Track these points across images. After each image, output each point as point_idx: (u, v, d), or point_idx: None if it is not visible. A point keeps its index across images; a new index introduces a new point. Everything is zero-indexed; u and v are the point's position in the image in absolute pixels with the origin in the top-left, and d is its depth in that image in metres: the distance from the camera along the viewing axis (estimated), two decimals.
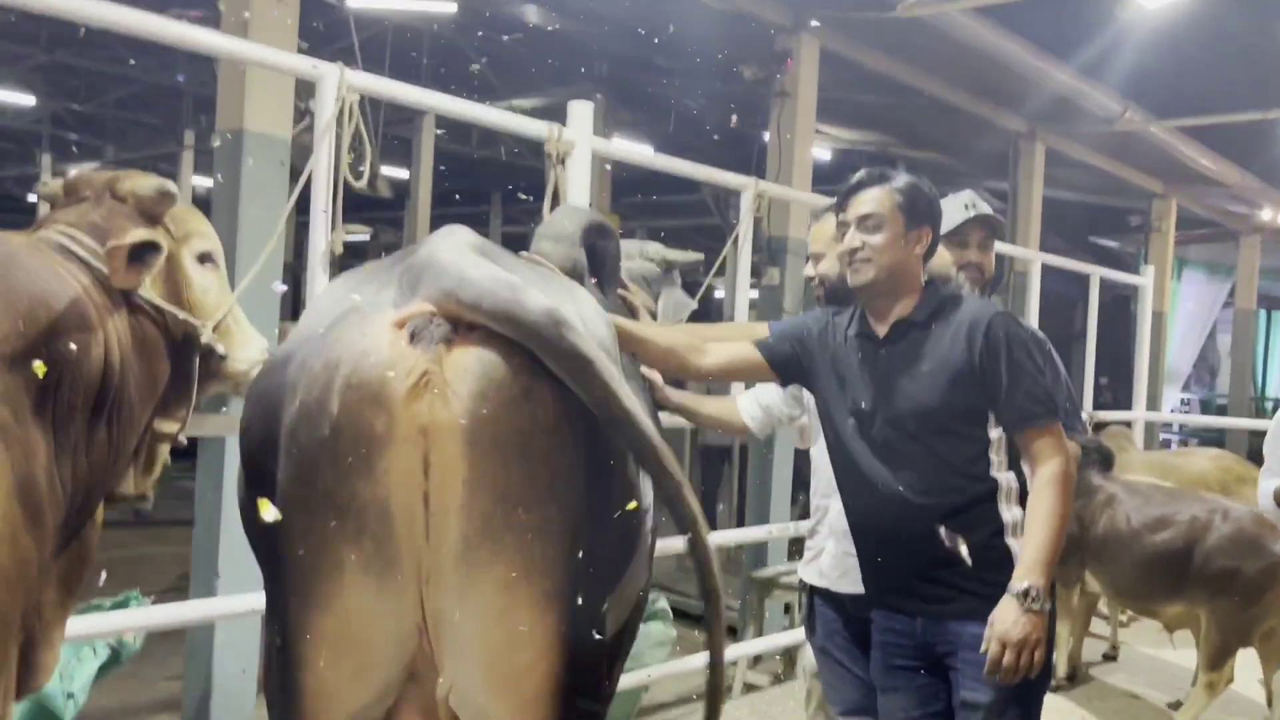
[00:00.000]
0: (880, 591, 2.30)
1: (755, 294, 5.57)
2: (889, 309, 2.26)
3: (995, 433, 2.18)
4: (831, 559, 2.55)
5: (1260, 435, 3.28)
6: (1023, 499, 2.16)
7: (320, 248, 2.83)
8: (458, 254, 1.51)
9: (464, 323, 1.47)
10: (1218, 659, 4.16)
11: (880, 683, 2.30)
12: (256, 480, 1.55)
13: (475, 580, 1.46)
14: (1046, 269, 6.50)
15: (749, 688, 4.83)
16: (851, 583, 2.46)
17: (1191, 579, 4.17)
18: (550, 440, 1.48)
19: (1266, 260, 11.90)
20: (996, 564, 2.13)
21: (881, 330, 2.26)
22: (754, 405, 2.73)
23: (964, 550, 2.14)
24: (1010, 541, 2.16)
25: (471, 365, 1.44)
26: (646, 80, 9.03)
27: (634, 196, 11.89)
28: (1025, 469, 2.17)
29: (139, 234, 2.09)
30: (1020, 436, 2.16)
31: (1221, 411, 12.15)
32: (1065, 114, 7.66)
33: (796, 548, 5.76)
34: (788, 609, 5.17)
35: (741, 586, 5.35)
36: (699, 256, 3.23)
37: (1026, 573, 2.06)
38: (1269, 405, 15.27)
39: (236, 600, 3.04)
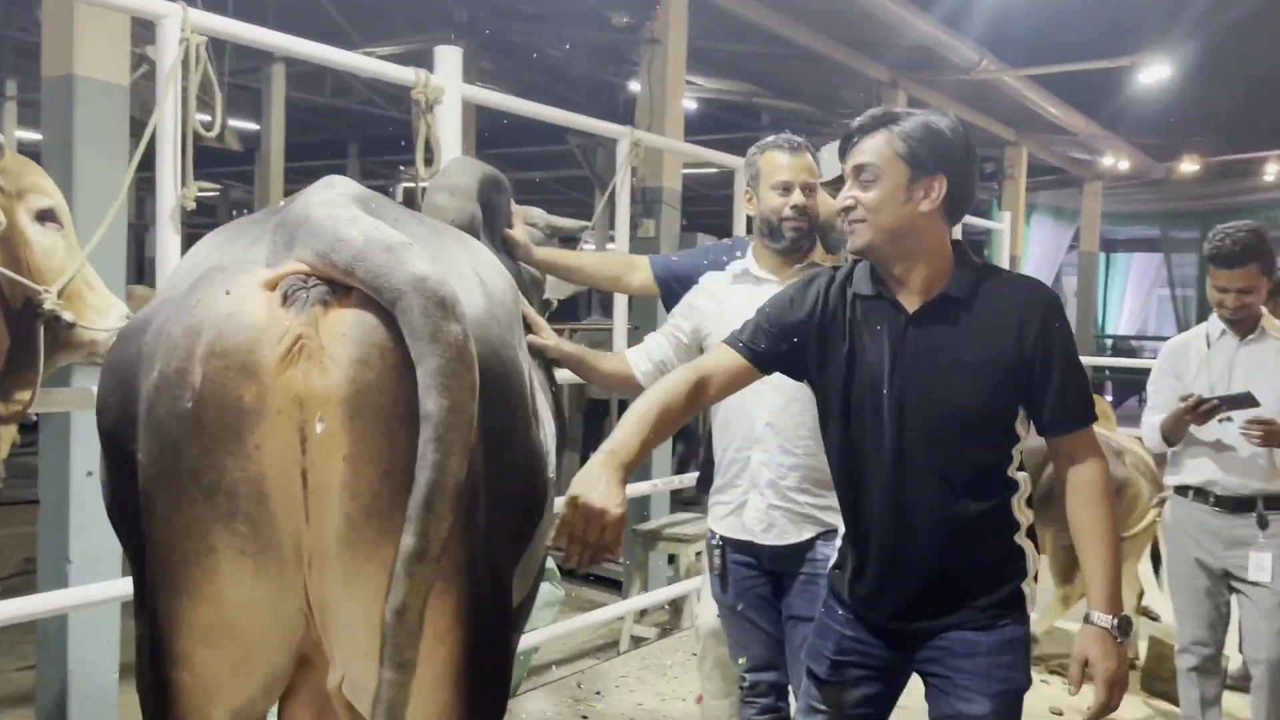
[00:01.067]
0: (875, 597, 1.97)
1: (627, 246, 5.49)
2: (912, 276, 1.89)
3: (1021, 428, 1.94)
4: (756, 512, 2.42)
5: (1102, 371, 3.40)
6: (1030, 501, 1.98)
7: (169, 204, 2.61)
8: (334, 209, 1.38)
9: (341, 284, 1.35)
10: (1066, 574, 4.42)
11: (825, 673, 2.02)
12: (116, 459, 1.40)
13: (361, 563, 1.35)
14: None
15: (636, 641, 4.83)
16: (776, 535, 2.41)
17: (1039, 502, 4.38)
18: None
19: (1107, 205, 12.51)
20: (1004, 570, 1.93)
21: (911, 303, 1.90)
22: (645, 360, 2.53)
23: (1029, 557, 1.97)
24: (1020, 542, 1.94)
25: (350, 329, 1.32)
26: (508, 28, 8.78)
27: (498, 148, 11.61)
28: (1055, 472, 1.98)
29: None
30: (1064, 439, 1.91)
31: None
32: (926, 62, 7.80)
33: (676, 500, 5.79)
34: (671, 560, 5.18)
35: (627, 540, 5.34)
36: (586, 224, 3.11)
37: (1109, 600, 1.85)
38: (1108, 342, 16.21)
39: (90, 590, 2.82)
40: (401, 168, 17.14)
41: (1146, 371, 3.61)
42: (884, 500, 1.91)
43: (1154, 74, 7.47)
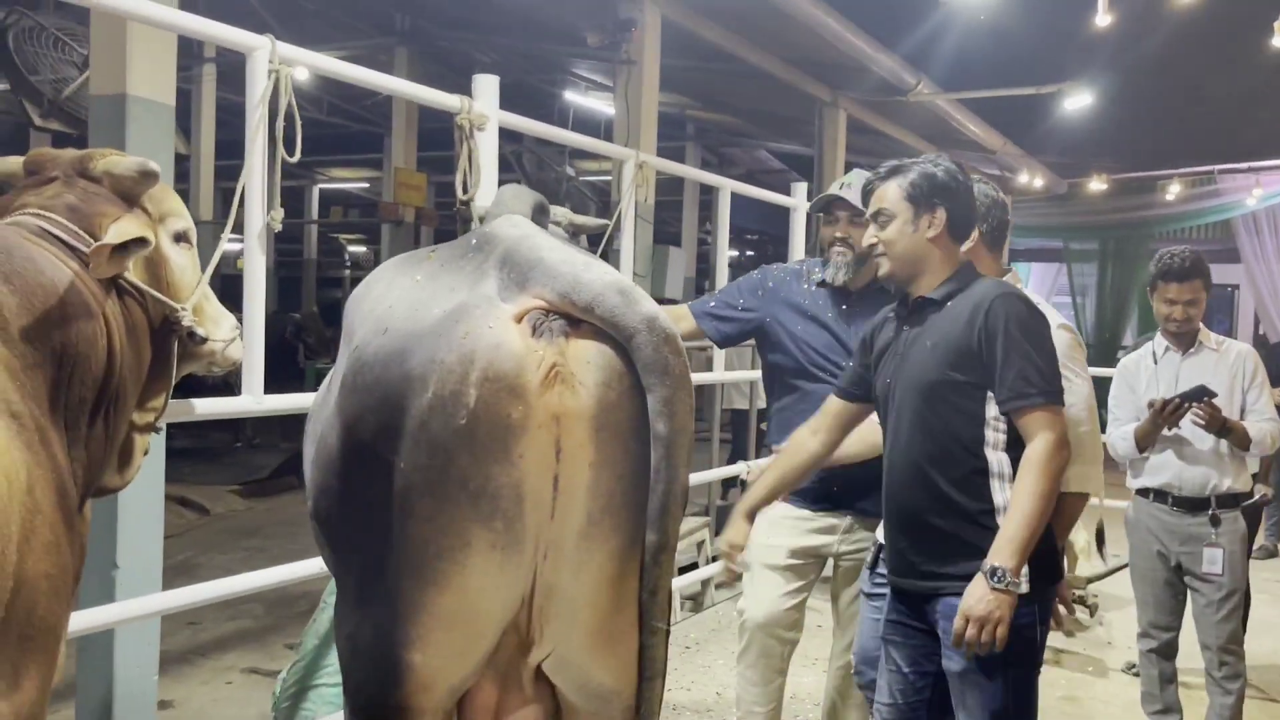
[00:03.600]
0: (890, 552, 2.41)
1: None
2: (917, 289, 2.38)
3: (992, 410, 2.23)
4: None
5: None
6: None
7: (257, 226, 2.76)
8: (566, 253, 1.62)
9: (574, 317, 1.59)
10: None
11: (884, 634, 2.44)
12: (368, 468, 1.60)
13: (594, 552, 1.59)
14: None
15: None
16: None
17: None
18: (647, 422, 1.62)
19: (1018, 218, 13.25)
20: (981, 542, 2.18)
21: (908, 307, 2.41)
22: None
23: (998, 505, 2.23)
24: (1000, 522, 2.21)
25: (593, 356, 1.56)
26: (445, 36, 8.91)
27: (437, 150, 11.68)
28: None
29: (128, 229, 2.00)
30: (1014, 416, 2.19)
31: None
32: (866, 83, 8.23)
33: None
34: (700, 545, 5.55)
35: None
36: (606, 222, 3.36)
37: (996, 552, 2.12)
38: None
39: (139, 603, 2.90)
40: (319, 170, 17.08)
41: None
42: (887, 466, 2.40)
43: (1076, 101, 8.05)
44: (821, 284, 3.06)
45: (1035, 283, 18.31)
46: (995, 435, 2.24)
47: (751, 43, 7.38)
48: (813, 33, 6.70)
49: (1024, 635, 2.20)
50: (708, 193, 11.90)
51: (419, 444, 1.54)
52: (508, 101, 3.64)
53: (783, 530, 3.01)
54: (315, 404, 2.00)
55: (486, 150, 3.49)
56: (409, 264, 1.86)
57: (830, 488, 2.95)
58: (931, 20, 6.88)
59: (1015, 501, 2.15)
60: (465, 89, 3.53)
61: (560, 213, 3.07)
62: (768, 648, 3.02)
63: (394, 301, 1.72)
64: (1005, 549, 2.12)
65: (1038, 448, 2.15)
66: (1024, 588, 2.13)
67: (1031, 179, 11.36)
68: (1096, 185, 11.81)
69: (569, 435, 1.54)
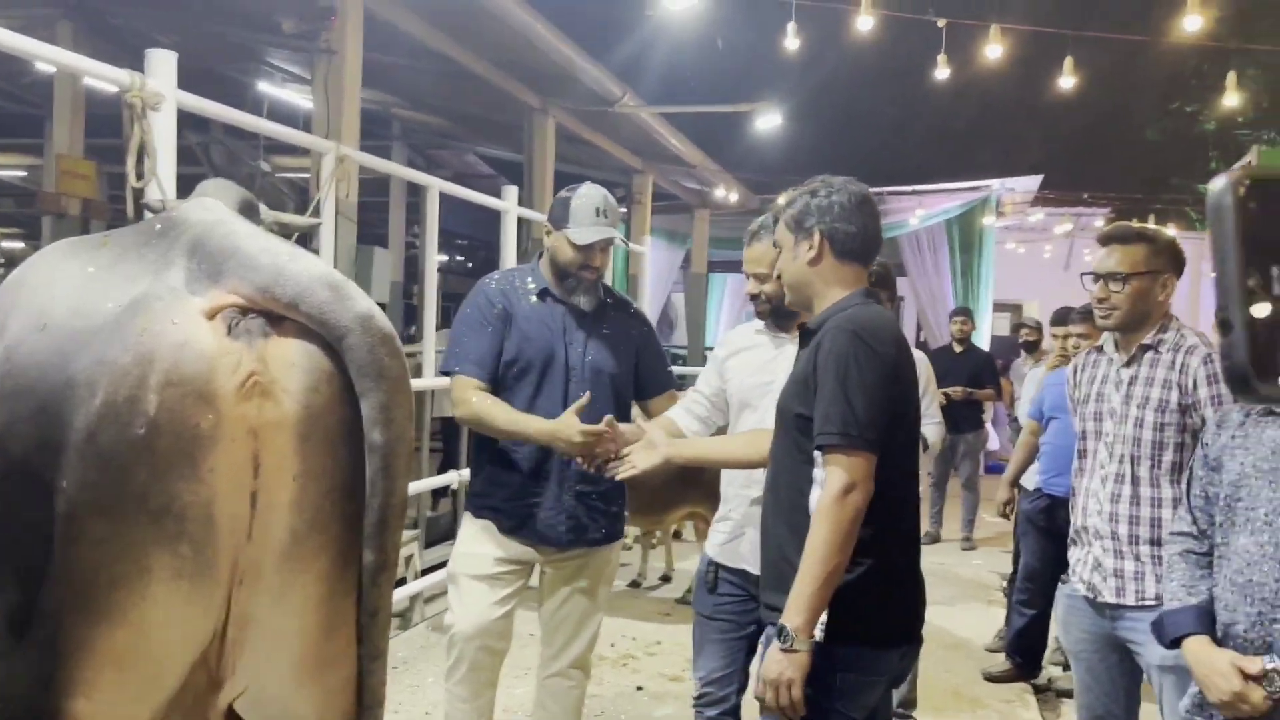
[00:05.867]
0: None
1: None
2: (811, 316, 2.29)
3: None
4: (753, 546, 2.51)
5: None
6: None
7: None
8: (267, 242, 1.45)
9: (276, 314, 1.42)
10: None
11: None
12: (15, 488, 1.35)
13: (299, 574, 1.44)
14: None
15: None
16: None
17: (690, 484, 5.05)
18: (360, 429, 1.48)
19: (713, 231, 13.93)
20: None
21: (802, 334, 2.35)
22: (692, 420, 2.89)
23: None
24: None
25: (298, 358, 1.41)
26: (118, 11, 8.13)
27: (114, 137, 10.61)
28: None
29: None
30: (821, 455, 2.09)
31: (678, 360, 14.00)
32: (575, 93, 8.32)
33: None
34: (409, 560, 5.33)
35: None
36: (316, 220, 3.14)
37: (785, 610, 2.02)
38: (708, 353, 17.98)
39: None
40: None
41: None
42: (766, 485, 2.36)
43: (768, 120, 8.56)
44: (543, 295, 2.98)
45: (730, 293, 19.46)
46: (821, 473, 2.10)
47: (460, 43, 7.24)
48: (522, 37, 6.66)
49: (818, 705, 2.05)
50: (416, 194, 11.60)
51: (87, 459, 1.32)
52: (194, 90, 3.31)
53: (486, 539, 2.92)
54: None
55: (163, 134, 3.15)
56: (78, 250, 1.61)
57: (522, 518, 2.90)
58: (639, 36, 7.08)
59: (804, 553, 2.02)
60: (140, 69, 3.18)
61: (265, 211, 2.83)
62: (478, 661, 2.91)
63: (58, 293, 1.48)
64: (791, 606, 2.01)
65: (826, 496, 2.03)
66: (807, 648, 1.99)
67: (728, 194, 11.96)
68: (783, 200, 12.64)
69: (269, 447, 1.38)
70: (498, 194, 5.70)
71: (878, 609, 2.13)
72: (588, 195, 2.95)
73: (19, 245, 19.77)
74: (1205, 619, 2.08)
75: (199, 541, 1.36)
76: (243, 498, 1.38)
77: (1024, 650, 4.81)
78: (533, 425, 2.78)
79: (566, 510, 2.91)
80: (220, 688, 1.51)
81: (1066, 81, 8.32)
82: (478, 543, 2.92)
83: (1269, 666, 1.91)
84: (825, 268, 2.26)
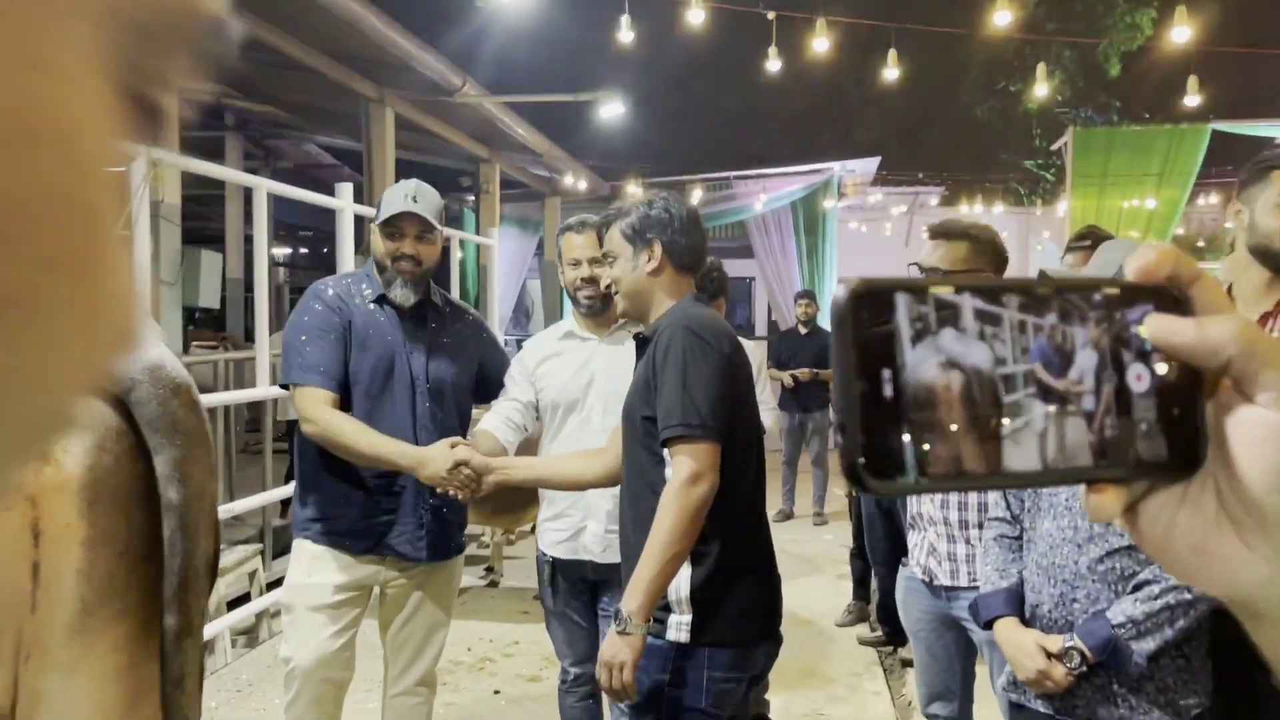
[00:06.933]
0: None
1: None
2: (647, 324, 2.37)
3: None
4: (595, 537, 2.80)
5: None
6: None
7: None
8: None
9: None
10: None
11: None
12: None
13: (93, 645, 1.34)
14: None
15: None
16: (612, 554, 2.67)
17: None
18: (154, 482, 1.39)
19: (566, 219, 13.91)
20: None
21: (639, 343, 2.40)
22: (510, 431, 2.87)
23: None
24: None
25: (81, 415, 1.30)
26: None
27: None
28: None
29: None
30: (667, 449, 2.14)
31: None
32: (413, 83, 8.13)
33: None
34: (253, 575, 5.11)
35: None
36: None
37: (624, 595, 2.09)
38: None
39: None
40: None
41: None
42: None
43: (611, 109, 8.56)
44: (380, 301, 2.86)
45: None
46: (669, 471, 2.16)
47: (290, 33, 6.97)
48: (353, 27, 6.46)
49: (657, 695, 2.13)
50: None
51: None
52: None
53: (325, 567, 2.81)
54: None
55: None
56: None
57: (377, 537, 2.82)
58: (475, 24, 6.97)
59: (649, 538, 2.07)
60: None
61: None
62: (320, 694, 2.79)
63: None
64: (629, 592, 2.07)
65: (669, 489, 2.07)
66: (641, 631, 2.05)
67: (577, 181, 11.94)
68: (634, 188, 12.71)
69: (51, 515, 1.28)
70: (344, 182, 5.51)
71: (741, 609, 2.20)
72: (400, 185, 2.88)
73: None
74: (1015, 600, 2.18)
75: None
76: (23, 570, 1.27)
77: (889, 620, 5.06)
78: (396, 451, 2.67)
79: (426, 525, 2.84)
80: None
81: (892, 72, 8.61)
82: (315, 571, 2.81)
83: (1069, 645, 2.02)
84: (665, 278, 2.34)
